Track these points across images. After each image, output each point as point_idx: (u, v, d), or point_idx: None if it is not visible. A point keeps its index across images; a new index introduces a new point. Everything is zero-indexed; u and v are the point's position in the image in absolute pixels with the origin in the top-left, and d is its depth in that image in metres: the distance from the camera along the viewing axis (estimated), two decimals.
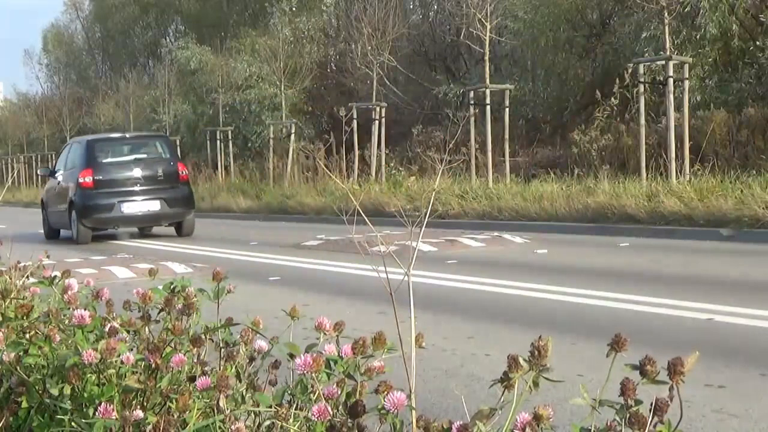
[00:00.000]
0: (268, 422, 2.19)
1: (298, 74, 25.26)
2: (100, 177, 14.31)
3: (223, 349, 2.47)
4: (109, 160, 14.69)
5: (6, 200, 34.21)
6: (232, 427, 2.02)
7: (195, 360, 2.35)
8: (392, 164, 20.73)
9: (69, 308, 2.73)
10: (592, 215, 12.24)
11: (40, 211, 17.31)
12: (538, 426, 1.65)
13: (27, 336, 2.63)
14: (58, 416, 2.35)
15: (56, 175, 15.77)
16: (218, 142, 26.81)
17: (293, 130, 22.96)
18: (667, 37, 13.76)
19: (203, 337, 2.40)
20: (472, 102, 17.52)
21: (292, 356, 2.32)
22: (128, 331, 2.56)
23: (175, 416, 2.10)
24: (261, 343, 2.47)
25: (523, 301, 6.69)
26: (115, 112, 35.21)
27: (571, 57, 21.83)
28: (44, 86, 52.13)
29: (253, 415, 2.22)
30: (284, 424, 2.06)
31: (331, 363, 2.14)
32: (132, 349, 2.40)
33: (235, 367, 2.38)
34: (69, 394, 2.33)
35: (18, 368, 2.51)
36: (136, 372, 2.28)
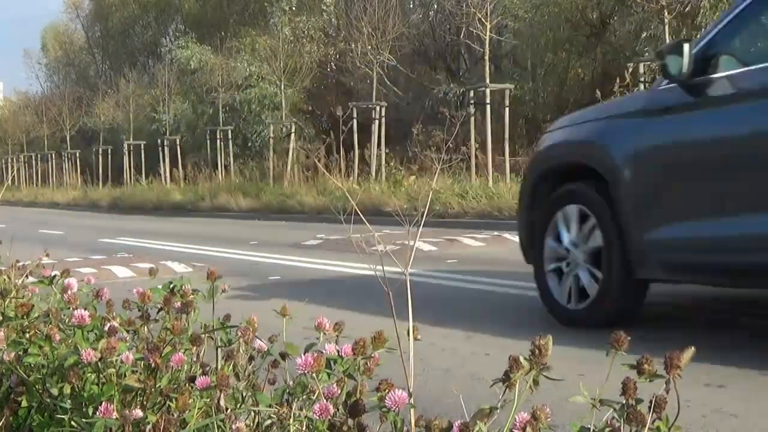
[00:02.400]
0: (268, 421, 2.20)
1: (298, 74, 25.25)
2: None
3: (222, 348, 2.47)
4: None
5: (6, 199, 34.24)
6: (233, 426, 2.02)
7: (194, 359, 2.35)
8: (392, 164, 20.74)
9: (69, 308, 2.73)
10: None
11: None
12: (537, 425, 1.66)
13: (27, 335, 2.63)
14: (58, 415, 2.35)
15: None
16: (218, 141, 26.81)
17: (293, 130, 22.97)
18: (667, 36, 13.77)
19: (203, 336, 2.40)
20: (472, 101, 17.52)
21: (283, 357, 2.32)
22: (128, 331, 2.56)
23: (175, 415, 2.10)
24: (261, 342, 2.48)
25: (523, 301, 6.69)
26: (115, 111, 35.22)
27: (571, 56, 21.84)
28: (44, 86, 52.19)
29: (253, 414, 2.22)
30: (286, 422, 2.06)
31: (332, 363, 2.14)
32: (131, 349, 2.40)
33: (234, 366, 2.38)
34: (69, 394, 2.33)
35: (18, 368, 2.51)
36: (136, 371, 2.28)
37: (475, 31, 17.16)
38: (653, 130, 4.80)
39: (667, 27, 13.82)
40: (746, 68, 4.47)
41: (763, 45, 4.97)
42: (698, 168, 4.59)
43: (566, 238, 5.36)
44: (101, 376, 2.29)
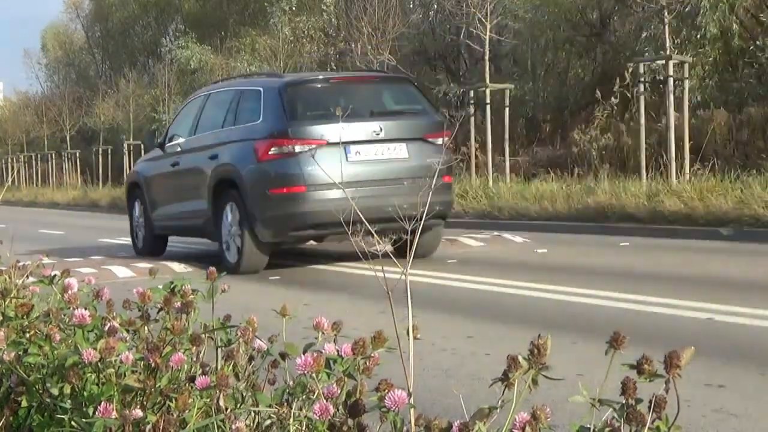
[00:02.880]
0: (268, 421, 2.20)
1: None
2: None
3: (222, 348, 2.47)
4: None
5: (6, 200, 34.22)
6: (233, 426, 2.02)
7: (194, 359, 2.35)
8: None
9: (69, 307, 2.73)
10: (592, 215, 12.23)
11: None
12: (537, 425, 1.65)
13: (27, 335, 2.63)
14: (58, 415, 2.36)
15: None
16: None
17: None
18: (667, 36, 13.75)
19: (202, 336, 2.40)
20: (472, 101, 17.52)
21: (283, 357, 2.32)
22: (128, 331, 2.56)
23: (175, 415, 2.10)
24: (261, 342, 2.48)
25: (523, 301, 6.69)
26: (115, 111, 35.21)
27: (571, 56, 21.83)
28: (44, 86, 52.18)
29: (253, 414, 2.22)
30: (286, 422, 2.06)
31: (331, 363, 2.14)
32: (131, 349, 2.40)
33: (234, 366, 2.38)
34: (69, 394, 2.33)
35: (18, 367, 2.51)
36: (136, 371, 2.28)
37: (475, 31, 17.15)
38: (154, 166, 11.01)
39: (667, 27, 13.78)
40: (177, 141, 10.43)
41: (183, 130, 10.61)
42: (172, 182, 10.48)
43: (137, 210, 11.42)
44: (101, 376, 2.29)
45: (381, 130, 8.68)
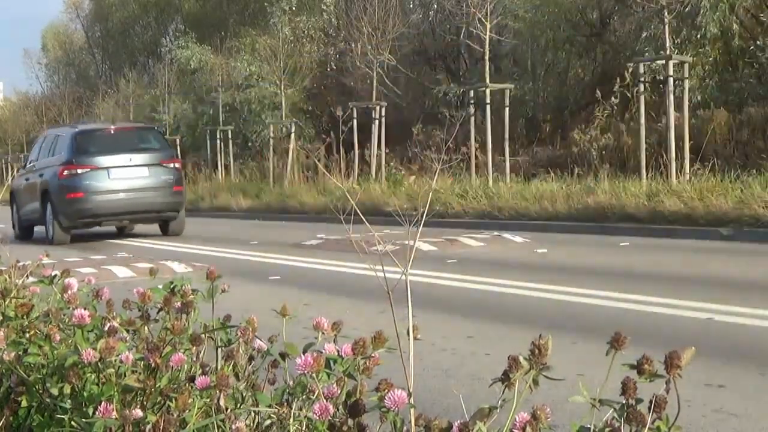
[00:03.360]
0: (268, 421, 2.20)
1: (298, 73, 25.23)
2: None
3: (222, 348, 2.47)
4: None
5: (6, 199, 34.17)
6: (233, 426, 2.02)
7: (194, 359, 2.35)
8: (392, 164, 20.71)
9: (69, 307, 2.73)
10: (592, 215, 12.23)
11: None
12: (537, 425, 1.65)
13: (27, 335, 2.63)
14: (58, 415, 2.35)
15: None
16: (218, 141, 26.79)
17: (293, 130, 22.95)
18: (667, 36, 13.76)
19: (202, 336, 2.40)
20: (472, 101, 17.52)
21: (283, 357, 2.32)
22: (128, 331, 2.56)
23: (175, 415, 2.10)
24: (261, 342, 2.47)
25: (523, 301, 6.69)
26: (115, 111, 35.20)
27: (571, 56, 21.84)
28: (44, 86, 52.16)
29: (253, 414, 2.22)
30: (286, 422, 2.06)
31: (331, 363, 2.14)
32: (132, 349, 2.39)
33: (234, 366, 2.38)
34: (69, 394, 2.33)
35: (18, 367, 2.51)
36: (136, 371, 2.28)
37: (475, 31, 17.17)
38: (20, 181, 16.59)
39: (667, 27, 13.78)
40: (31, 165, 16.11)
41: (34, 157, 16.25)
42: (26, 191, 15.91)
43: (15, 210, 16.81)
44: (101, 376, 2.29)
45: (131, 159, 14.24)
